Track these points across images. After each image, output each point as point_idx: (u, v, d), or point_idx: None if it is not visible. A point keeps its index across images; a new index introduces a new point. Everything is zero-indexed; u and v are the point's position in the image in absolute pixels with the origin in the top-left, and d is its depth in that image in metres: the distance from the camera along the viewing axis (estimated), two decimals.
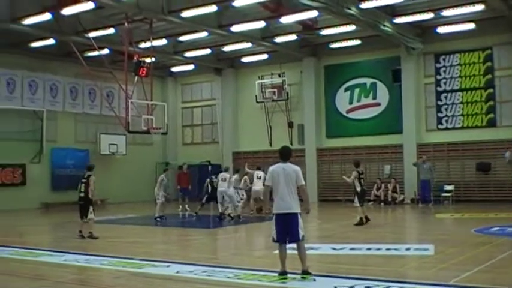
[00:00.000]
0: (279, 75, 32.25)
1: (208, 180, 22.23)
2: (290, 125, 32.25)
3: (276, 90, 32.18)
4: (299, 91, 32.14)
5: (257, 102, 32.93)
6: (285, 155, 9.22)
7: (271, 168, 9.15)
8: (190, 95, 36.71)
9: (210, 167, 30.46)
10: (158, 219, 20.78)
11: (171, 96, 36.51)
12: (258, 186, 21.95)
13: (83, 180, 15.56)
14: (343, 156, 30.14)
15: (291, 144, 31.37)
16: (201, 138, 36.25)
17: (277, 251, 9.25)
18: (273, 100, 32.29)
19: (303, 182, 9.15)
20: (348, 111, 30.63)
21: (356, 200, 18.06)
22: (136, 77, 26.24)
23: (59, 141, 30.93)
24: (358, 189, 18.01)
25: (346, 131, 30.51)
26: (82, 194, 15.51)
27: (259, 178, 22.18)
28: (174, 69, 35.23)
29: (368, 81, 30.05)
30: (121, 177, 32.71)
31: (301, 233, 9.01)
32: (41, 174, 29.83)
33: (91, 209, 15.43)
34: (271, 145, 32.61)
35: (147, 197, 32.98)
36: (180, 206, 25.18)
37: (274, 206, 9.11)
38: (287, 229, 8.96)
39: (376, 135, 29.49)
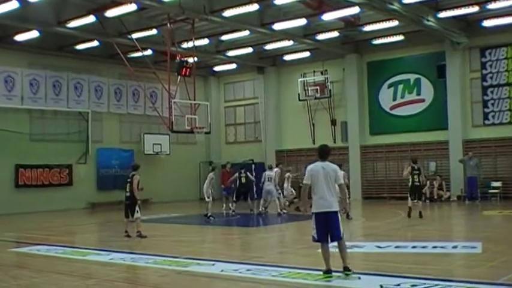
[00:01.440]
0: (322, 73, 32.26)
1: (236, 175, 22.50)
2: (333, 122, 32.21)
3: (318, 87, 32.19)
4: (342, 88, 32.09)
5: (299, 100, 32.95)
6: (323, 153, 9.28)
7: (309, 166, 9.20)
8: (233, 94, 36.89)
9: (253, 166, 30.60)
10: (211, 218, 20.77)
11: (213, 96, 36.73)
12: (268, 186, 22.40)
13: (129, 180, 15.63)
14: (388, 153, 30.10)
15: (334, 142, 31.86)
16: (244, 136, 36.43)
17: (320, 249, 9.24)
18: (316, 98, 32.32)
19: (343, 181, 9.29)
20: (392, 108, 30.46)
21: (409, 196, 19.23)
22: (179, 77, 26.44)
23: (104, 142, 31.35)
24: (409, 184, 19.25)
25: (390, 127, 30.34)
26: (128, 194, 15.56)
27: (270, 180, 22.49)
28: (217, 68, 35.41)
29: (412, 77, 29.83)
30: (165, 177, 32.97)
31: (341, 231, 9.03)
32: (87, 175, 30.35)
33: (137, 208, 15.46)
34: (314, 143, 32.59)
35: (190, 196, 33.77)
36: (224, 205, 25.19)
37: (314, 205, 9.11)
38: (328, 228, 8.97)
39: (420, 132, 29.27)
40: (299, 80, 32.84)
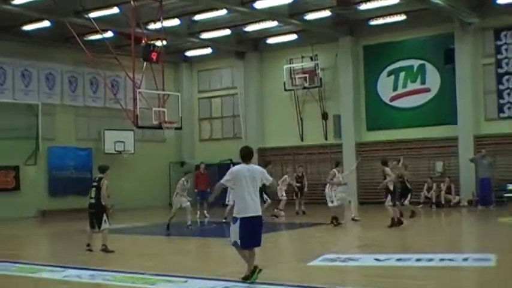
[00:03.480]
0: (311, 59, 32.31)
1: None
2: (324, 116, 32.35)
3: (307, 76, 32.29)
4: (334, 76, 32.16)
5: (285, 90, 33.06)
6: (247, 155, 10.27)
7: (233, 168, 10.21)
8: (208, 84, 36.92)
9: (232, 166, 30.41)
10: (190, 227, 20.82)
11: (185, 85, 36.78)
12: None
13: (94, 184, 15.58)
14: (387, 151, 29.48)
15: (326, 138, 32.39)
16: (220, 133, 36.44)
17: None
18: (304, 87, 32.45)
19: (271, 178, 10.57)
20: (392, 99, 30.68)
21: (388, 198, 19.02)
22: (145, 64, 26.39)
23: (57, 139, 31.18)
24: (391, 187, 19.09)
25: (390, 122, 30.54)
26: (93, 200, 15.50)
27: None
28: (189, 53, 35.39)
29: (415, 63, 29.99)
30: (128, 180, 32.80)
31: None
32: (37, 178, 30.10)
33: (105, 217, 15.42)
34: (302, 140, 32.83)
35: (159, 202, 33.57)
36: (198, 212, 25.25)
37: (238, 209, 10.06)
38: (254, 233, 10.04)
39: (425, 127, 29.45)
40: (285, 67, 32.92)
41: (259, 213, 10.08)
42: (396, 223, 18.80)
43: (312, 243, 17.26)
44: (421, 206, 26.79)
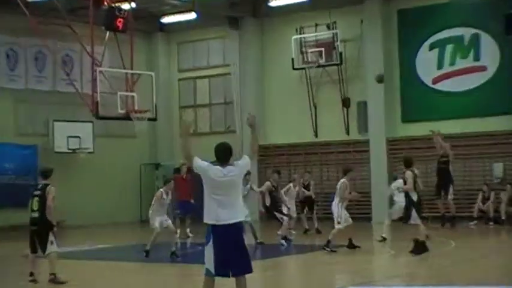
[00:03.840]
0: (328, 27, 32.43)
1: None
2: (346, 103, 32.50)
3: (323, 49, 32.31)
4: (359, 51, 32.29)
5: (294, 69, 33.08)
6: (224, 155, 10.44)
7: (206, 165, 10.30)
8: (192, 60, 37.02)
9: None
10: (175, 256, 20.41)
11: (161, 62, 37.02)
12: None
13: (37, 193, 15.49)
14: (429, 150, 29.53)
15: (347, 133, 32.73)
16: (208, 125, 36.52)
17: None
18: (319, 65, 32.51)
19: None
20: (436, 81, 30.85)
21: (414, 214, 18.85)
22: (108, 33, 26.55)
23: None
24: (415, 197, 18.98)
25: (432, 111, 30.48)
26: (36, 215, 15.39)
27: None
28: (166, 19, 35.48)
29: (467, 32, 30.18)
30: (86, 187, 32.81)
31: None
32: None
33: (52, 236, 15.33)
34: (316, 135, 33.14)
35: (126, 216, 33.73)
36: (178, 231, 24.93)
37: (211, 217, 10.17)
38: (231, 254, 10.05)
39: (480, 117, 29.55)
40: (293, 38, 32.88)
41: (237, 219, 10.20)
42: (422, 247, 18.66)
43: (328, 272, 17.27)
44: (474, 222, 26.87)
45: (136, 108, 27.05)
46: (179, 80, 37.44)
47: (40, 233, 15.37)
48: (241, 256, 10.06)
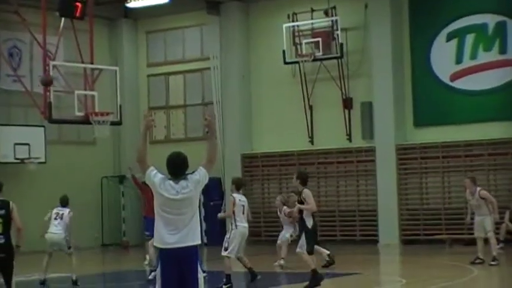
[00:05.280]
0: (326, 13, 32.29)
1: None
2: (347, 104, 32.30)
3: (320, 40, 32.01)
4: (363, 41, 32.34)
5: (286, 63, 32.89)
6: (177, 168, 10.33)
7: (156, 178, 10.21)
8: (164, 52, 37.23)
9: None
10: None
11: (127, 55, 37.21)
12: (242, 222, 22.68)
13: (0, 213, 15.41)
14: (447, 159, 30.15)
15: (349, 139, 32.53)
16: (183, 131, 36.83)
17: None
18: (316, 59, 32.18)
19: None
20: (454, 78, 30.75)
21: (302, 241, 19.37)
22: (63, 21, 27.02)
23: None
24: (310, 224, 19.39)
25: (450, 113, 30.73)
26: (2, 240, 15.18)
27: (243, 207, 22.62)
28: (133, 4, 34.81)
29: (491, 20, 30.06)
30: (36, 205, 31.59)
31: None
32: None
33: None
34: (312, 142, 32.94)
35: (84, 239, 32.74)
36: (147, 257, 25.03)
37: (159, 239, 10.11)
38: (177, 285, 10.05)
39: (505, 121, 29.54)
40: (285, 26, 32.72)
41: (190, 243, 10.12)
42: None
43: None
44: (500, 246, 25.79)
45: (96, 110, 27.10)
46: (148, 76, 37.63)
47: (6, 261, 15.32)
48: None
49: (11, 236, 15.42)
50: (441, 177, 30.33)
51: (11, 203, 15.57)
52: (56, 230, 22.74)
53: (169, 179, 10.12)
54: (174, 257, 9.96)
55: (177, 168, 10.29)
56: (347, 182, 32.09)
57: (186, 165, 10.36)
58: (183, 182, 10.14)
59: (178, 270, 9.95)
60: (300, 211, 19.41)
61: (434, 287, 19.25)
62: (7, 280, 15.40)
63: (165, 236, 10.02)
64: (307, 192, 19.16)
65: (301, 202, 19.31)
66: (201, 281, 10.16)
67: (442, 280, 20.12)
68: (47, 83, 26.67)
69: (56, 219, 22.74)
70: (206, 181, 10.35)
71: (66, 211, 23.23)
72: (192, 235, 10.13)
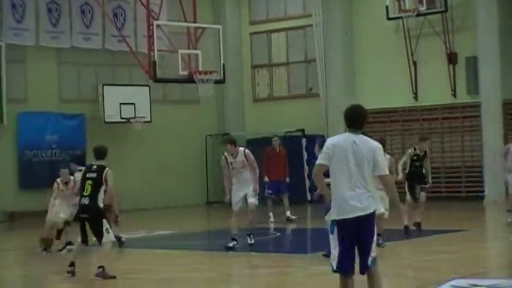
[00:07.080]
0: None
1: None
2: (452, 59, 32.15)
3: None
4: None
5: (389, 18, 32.88)
6: (355, 120, 9.89)
7: (331, 140, 9.95)
8: (266, 10, 37.10)
9: (304, 141, 30.79)
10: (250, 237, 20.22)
11: (229, 14, 36.99)
12: None
13: (91, 176, 15.68)
14: None
15: (454, 95, 32.47)
16: (286, 88, 36.66)
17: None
18: (419, 14, 32.15)
19: (387, 172, 10.06)
20: None
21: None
22: None
23: (30, 102, 31.53)
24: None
25: None
26: (87, 201, 15.57)
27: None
28: None
29: None
30: (142, 164, 33.04)
31: (372, 254, 9.80)
32: (0, 162, 30.25)
33: (107, 224, 15.56)
34: (416, 98, 32.95)
35: (191, 198, 34.06)
36: (271, 214, 25.46)
37: (334, 207, 9.81)
38: (358, 248, 9.77)
39: None
40: None
41: (367, 211, 9.67)
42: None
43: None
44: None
45: (200, 68, 27.72)
46: (251, 34, 37.45)
47: (93, 221, 15.61)
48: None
49: (98, 199, 15.51)
50: None
51: (106, 170, 15.68)
52: None
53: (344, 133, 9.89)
54: (351, 222, 9.75)
55: (357, 118, 9.88)
56: (452, 138, 31.93)
57: (365, 117, 9.98)
58: (361, 137, 9.79)
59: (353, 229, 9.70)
60: None
61: None
62: (98, 237, 15.63)
63: (340, 201, 9.71)
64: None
65: None
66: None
67: None
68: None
69: None
70: (378, 172, 9.77)
71: None
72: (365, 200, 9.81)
